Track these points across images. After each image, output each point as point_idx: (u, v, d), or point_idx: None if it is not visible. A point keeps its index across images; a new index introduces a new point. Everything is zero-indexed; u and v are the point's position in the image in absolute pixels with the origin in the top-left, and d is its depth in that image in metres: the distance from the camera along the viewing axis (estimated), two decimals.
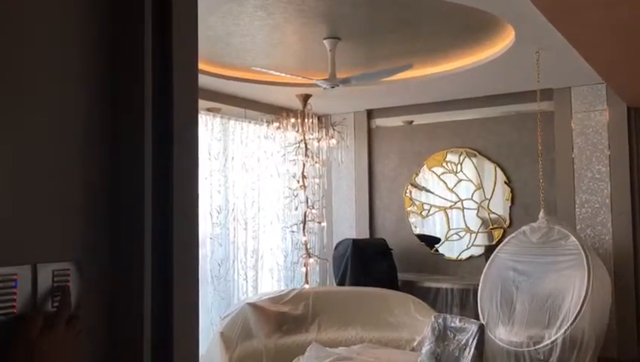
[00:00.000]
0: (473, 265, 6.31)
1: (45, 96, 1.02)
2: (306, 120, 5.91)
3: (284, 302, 5.15)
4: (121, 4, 1.11)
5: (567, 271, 4.43)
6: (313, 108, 6.16)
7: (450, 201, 6.69)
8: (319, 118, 6.69)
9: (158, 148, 1.10)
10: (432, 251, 6.75)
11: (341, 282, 6.23)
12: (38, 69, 1.01)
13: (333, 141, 6.23)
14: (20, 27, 0.98)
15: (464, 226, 6.59)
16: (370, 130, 7.18)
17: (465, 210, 6.59)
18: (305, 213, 6.11)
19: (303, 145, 5.99)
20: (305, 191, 6.10)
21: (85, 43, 1.08)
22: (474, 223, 6.55)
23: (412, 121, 6.98)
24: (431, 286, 6.28)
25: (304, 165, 6.06)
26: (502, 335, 4.47)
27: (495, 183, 6.43)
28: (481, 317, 4.61)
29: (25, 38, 0.99)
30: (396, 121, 7.05)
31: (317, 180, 6.36)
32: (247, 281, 6.30)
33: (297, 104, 6.12)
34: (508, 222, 6.31)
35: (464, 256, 6.57)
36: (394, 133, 7.07)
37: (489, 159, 6.47)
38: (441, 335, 4.21)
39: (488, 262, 4.93)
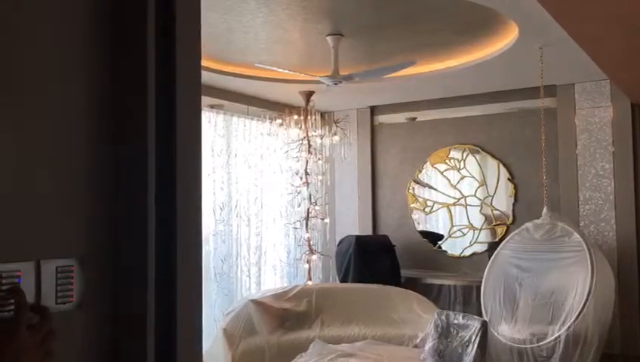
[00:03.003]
0: (476, 262, 6.30)
1: (46, 95, 1.02)
2: (309, 117, 5.91)
3: (287, 298, 5.16)
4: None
5: (570, 267, 4.43)
6: (316, 104, 6.15)
7: (454, 198, 6.68)
8: (322, 115, 6.69)
9: (161, 145, 1.10)
10: (435, 248, 6.74)
11: (344, 279, 6.23)
12: (39, 68, 1.01)
13: (336, 138, 6.23)
14: (20, 27, 0.98)
15: (467, 223, 6.59)
16: (373, 127, 7.17)
17: (468, 207, 6.58)
18: (308, 209, 6.11)
19: (305, 141, 5.99)
20: (308, 187, 6.10)
21: (87, 41, 1.07)
22: (477, 220, 6.54)
23: (415, 118, 6.97)
24: (434, 282, 6.28)
25: (307, 162, 6.05)
26: (505, 331, 4.47)
27: (498, 180, 6.41)
28: (484, 313, 4.61)
29: (25, 38, 0.99)
30: (399, 118, 7.04)
31: (320, 177, 6.35)
32: (250, 278, 6.31)
33: (300, 101, 6.11)
34: (511, 219, 6.30)
35: (467, 252, 6.56)
36: (397, 129, 7.06)
37: (492, 156, 6.46)
38: (444, 332, 4.21)
39: (491, 258, 4.93)
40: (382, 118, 7.15)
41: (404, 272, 6.33)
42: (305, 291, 5.27)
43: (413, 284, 6.13)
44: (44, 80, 1.01)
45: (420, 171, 6.88)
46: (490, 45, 4.81)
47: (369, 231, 7.01)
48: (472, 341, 3.98)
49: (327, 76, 4.52)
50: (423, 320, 4.86)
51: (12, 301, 0.88)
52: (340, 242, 6.58)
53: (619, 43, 3.77)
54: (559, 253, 4.54)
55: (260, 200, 6.47)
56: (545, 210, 4.75)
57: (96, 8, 1.08)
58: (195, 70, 1.19)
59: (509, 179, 6.36)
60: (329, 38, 4.43)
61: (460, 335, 4.10)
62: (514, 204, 6.32)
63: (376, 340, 4.83)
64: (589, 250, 4.37)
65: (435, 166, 6.80)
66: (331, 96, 6.15)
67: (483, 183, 6.52)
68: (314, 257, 6.10)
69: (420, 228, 6.89)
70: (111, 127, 1.09)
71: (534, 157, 5.80)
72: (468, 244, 6.57)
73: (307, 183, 6.08)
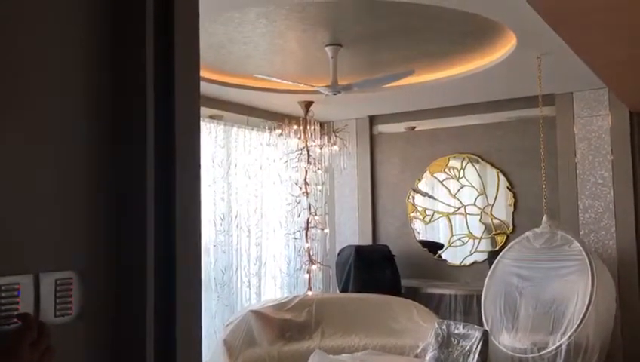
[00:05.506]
0: (476, 271, 6.29)
1: (46, 102, 1.02)
2: (308, 127, 5.92)
3: (288, 309, 5.14)
4: (123, 10, 1.11)
5: (570, 276, 4.42)
6: (315, 114, 6.16)
7: (453, 207, 6.68)
8: (321, 125, 6.70)
9: (161, 156, 1.10)
10: (436, 257, 6.73)
11: (344, 289, 6.21)
12: (39, 69, 1.01)
13: (336, 147, 6.24)
14: (20, 27, 0.98)
15: (467, 232, 6.58)
16: (372, 137, 7.18)
17: (468, 216, 6.58)
18: (307, 219, 6.11)
19: (305, 151, 5.99)
20: (307, 197, 6.10)
21: (87, 49, 1.08)
22: (477, 229, 6.53)
23: (414, 127, 6.99)
24: (434, 292, 6.26)
25: (306, 172, 6.06)
26: (506, 341, 4.46)
27: (498, 189, 6.42)
28: (484, 323, 4.60)
29: (25, 38, 0.99)
30: (398, 127, 7.05)
31: (319, 187, 6.35)
32: (250, 288, 6.29)
33: (299, 111, 6.12)
34: (511, 228, 6.29)
35: (467, 261, 6.55)
36: (396, 139, 7.07)
37: (491, 165, 6.46)
38: (445, 342, 4.20)
39: (492, 267, 4.92)
40: (381, 128, 7.16)
41: (405, 282, 6.31)
42: (305, 301, 5.26)
43: (413, 294, 6.11)
44: (42, 88, 1.01)
45: (420, 180, 6.88)
46: (488, 54, 4.82)
47: (369, 241, 7.00)
48: (473, 350, 3.97)
49: (326, 86, 4.53)
50: (423, 329, 4.84)
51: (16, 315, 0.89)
52: (340, 252, 6.58)
53: (617, 52, 3.78)
54: (559, 262, 4.53)
55: (260, 211, 6.47)
56: (545, 218, 4.75)
57: (94, 14, 1.09)
58: (194, 81, 1.19)
59: (508, 187, 6.36)
60: (328, 49, 4.45)
61: (460, 344, 4.08)
62: (514, 213, 6.31)
63: (377, 350, 4.82)
64: (589, 258, 4.37)
65: (434, 175, 6.80)
66: (330, 106, 6.17)
67: (482, 192, 6.52)
68: (314, 267, 6.09)
69: (420, 237, 6.88)
70: (110, 138, 1.10)
71: (534, 165, 5.80)
72: (468, 253, 6.56)
73: (307, 193, 6.08)
